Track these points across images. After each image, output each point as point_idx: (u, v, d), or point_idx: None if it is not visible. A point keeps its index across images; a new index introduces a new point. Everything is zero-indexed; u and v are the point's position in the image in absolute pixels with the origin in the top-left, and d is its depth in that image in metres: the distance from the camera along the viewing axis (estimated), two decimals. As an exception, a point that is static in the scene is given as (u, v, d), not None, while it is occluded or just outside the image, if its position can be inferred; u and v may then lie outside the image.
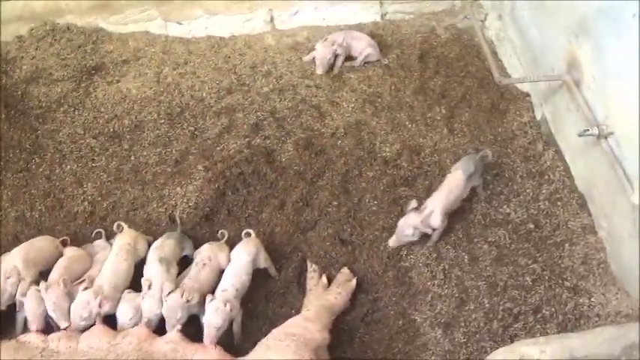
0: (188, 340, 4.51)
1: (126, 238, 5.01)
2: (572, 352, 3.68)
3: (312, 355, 4.26)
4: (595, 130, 4.73)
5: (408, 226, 5.01)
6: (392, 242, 5.10)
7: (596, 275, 5.05)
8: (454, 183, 5.19)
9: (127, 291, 4.71)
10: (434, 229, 5.10)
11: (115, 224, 5.22)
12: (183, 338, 4.50)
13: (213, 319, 4.48)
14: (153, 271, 4.74)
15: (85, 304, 4.56)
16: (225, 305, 4.49)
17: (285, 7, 7.08)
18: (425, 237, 5.16)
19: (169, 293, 4.56)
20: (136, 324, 4.59)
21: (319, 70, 6.57)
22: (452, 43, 7.03)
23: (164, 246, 4.90)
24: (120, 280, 4.77)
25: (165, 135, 6.06)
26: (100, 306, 4.56)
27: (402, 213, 5.33)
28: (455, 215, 5.42)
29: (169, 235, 5.01)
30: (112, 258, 4.89)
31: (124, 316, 4.61)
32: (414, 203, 5.11)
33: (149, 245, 5.06)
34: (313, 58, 6.64)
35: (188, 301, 4.53)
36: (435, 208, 5.02)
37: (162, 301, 4.56)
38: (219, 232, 5.22)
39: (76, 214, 5.54)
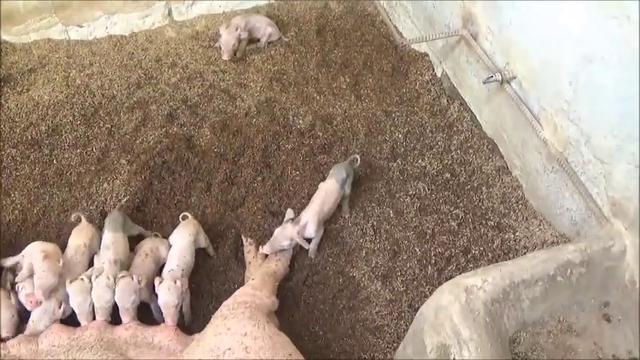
0: (144, 324, 4.63)
1: (81, 239, 5.01)
2: (511, 277, 3.91)
3: (267, 319, 4.41)
4: (498, 76, 5.04)
5: (284, 237, 5.04)
6: (266, 249, 5.07)
7: (517, 211, 5.38)
8: (328, 193, 5.30)
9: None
10: (311, 238, 5.21)
11: (73, 216, 5.23)
12: (140, 323, 4.61)
13: (169, 297, 4.58)
14: (105, 266, 4.74)
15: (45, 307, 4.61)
16: (176, 282, 4.62)
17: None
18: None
19: (121, 277, 4.64)
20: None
21: (225, 56, 6.67)
22: (346, 15, 7.29)
23: (117, 244, 4.90)
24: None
25: (84, 135, 6.09)
26: (60, 307, 4.63)
27: (323, 179, 5.52)
28: (373, 175, 5.72)
29: (116, 226, 4.99)
30: (68, 260, 4.88)
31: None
32: (290, 213, 5.29)
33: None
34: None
35: (139, 282, 4.63)
36: (309, 220, 5.12)
37: (111, 288, 4.60)
38: (153, 233, 5.31)
39: (8, 224, 5.51)
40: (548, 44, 4.56)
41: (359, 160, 5.52)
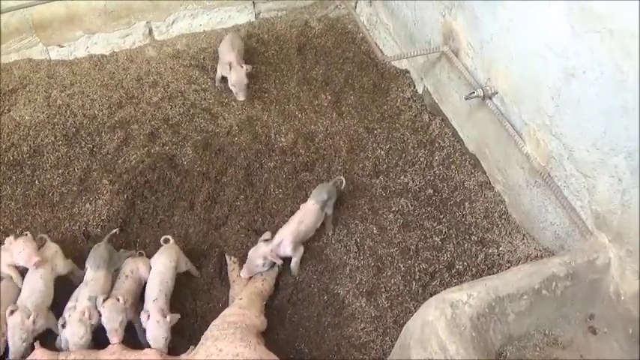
0: (129, 348, 4.58)
1: (42, 255, 4.94)
2: (496, 291, 3.92)
3: (257, 339, 4.44)
4: (480, 91, 5.07)
5: (258, 256, 5.03)
6: (243, 273, 5.05)
7: (500, 226, 5.40)
8: (306, 213, 5.29)
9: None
10: (290, 258, 5.18)
11: (38, 237, 5.17)
12: (125, 347, 4.56)
13: (158, 333, 4.56)
14: (81, 304, 4.66)
15: (20, 325, 4.53)
16: (165, 316, 4.60)
17: (162, 18, 7.19)
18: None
19: (105, 300, 4.61)
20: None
21: (241, 97, 6.42)
22: (327, 33, 7.31)
23: (96, 281, 4.81)
24: (40, 299, 4.72)
25: (65, 156, 6.06)
26: (33, 323, 4.55)
27: (306, 197, 5.54)
28: (356, 192, 5.72)
29: (99, 263, 4.90)
30: (27, 277, 4.85)
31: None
32: (267, 235, 5.18)
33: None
34: (221, 80, 6.64)
35: (125, 301, 4.62)
36: (284, 238, 5.09)
37: (85, 324, 4.55)
38: (138, 252, 5.27)
39: (-8, 247, 5.52)
40: (529, 59, 4.57)
41: (344, 182, 5.54)
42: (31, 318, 4.54)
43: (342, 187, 5.55)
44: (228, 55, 6.47)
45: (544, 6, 4.25)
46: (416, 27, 6.14)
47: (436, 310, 3.84)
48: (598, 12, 3.80)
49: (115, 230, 5.35)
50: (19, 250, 4.86)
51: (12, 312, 4.56)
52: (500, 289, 3.95)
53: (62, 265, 5.00)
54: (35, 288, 4.76)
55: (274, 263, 5.12)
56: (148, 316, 4.61)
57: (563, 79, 4.26)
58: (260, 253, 5.01)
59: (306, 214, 5.25)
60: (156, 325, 4.56)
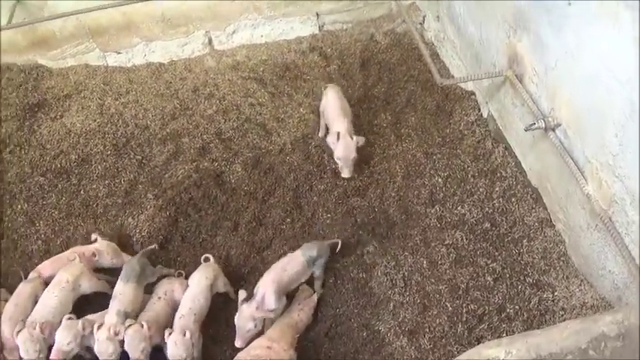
0: None
1: (65, 274, 4.87)
2: (537, 350, 3.63)
3: (280, 378, 4.23)
4: (541, 123, 4.73)
5: (245, 320, 4.62)
6: (238, 343, 4.63)
7: (558, 268, 5.05)
8: (290, 262, 4.93)
9: (65, 317, 4.58)
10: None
11: (92, 235, 5.26)
12: None
13: (175, 352, 4.42)
14: (108, 320, 4.57)
15: (29, 338, 4.49)
16: (185, 334, 4.43)
17: (223, 28, 7.06)
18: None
19: (129, 326, 4.48)
20: (72, 350, 4.49)
21: (345, 174, 5.68)
22: (392, 48, 7.04)
23: (124, 295, 4.71)
24: (50, 315, 4.64)
25: (113, 166, 5.98)
26: (41, 332, 4.50)
27: (356, 223, 5.37)
28: (409, 221, 5.45)
29: (129, 276, 4.80)
30: (45, 292, 4.80)
31: (61, 339, 4.46)
32: (242, 294, 4.73)
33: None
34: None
35: (149, 328, 4.47)
36: (265, 290, 4.72)
37: (113, 341, 4.46)
38: (177, 272, 5.15)
39: (30, 254, 5.46)
40: (593, 89, 4.20)
41: (340, 245, 5.19)
42: (37, 328, 4.49)
43: (337, 251, 5.20)
44: (337, 121, 5.78)
45: (612, 30, 3.88)
46: (481, 46, 5.83)
47: (469, 366, 3.57)
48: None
49: (153, 245, 5.25)
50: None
51: (19, 331, 4.52)
52: (543, 348, 3.65)
53: (87, 285, 4.94)
54: (48, 304, 4.71)
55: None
56: (170, 332, 4.50)
57: (628, 114, 3.90)
58: (246, 315, 4.63)
59: (290, 263, 4.92)
60: (173, 345, 4.45)
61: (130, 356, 4.47)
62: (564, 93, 4.59)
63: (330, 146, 5.72)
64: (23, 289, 4.88)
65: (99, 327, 4.48)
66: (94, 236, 5.28)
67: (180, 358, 4.42)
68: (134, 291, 4.74)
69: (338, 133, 5.57)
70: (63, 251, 5.28)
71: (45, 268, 5.06)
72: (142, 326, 4.47)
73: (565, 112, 4.62)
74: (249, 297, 4.68)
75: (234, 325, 4.79)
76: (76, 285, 4.84)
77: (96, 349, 4.47)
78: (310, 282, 5.08)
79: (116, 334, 4.45)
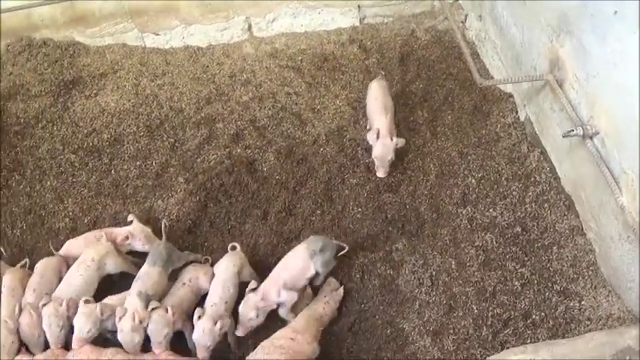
0: (176, 354, 4.47)
1: (91, 252, 4.88)
2: (562, 360, 3.62)
3: (302, 369, 4.21)
4: (579, 130, 4.65)
5: (249, 308, 4.62)
6: (239, 332, 4.66)
7: (586, 278, 4.99)
8: (293, 256, 4.88)
9: (82, 300, 4.54)
10: (279, 304, 4.75)
11: (129, 216, 5.25)
12: (172, 353, 4.46)
13: (201, 339, 4.41)
14: (130, 302, 4.55)
15: (54, 313, 4.49)
16: (215, 324, 4.41)
17: (263, 15, 7.02)
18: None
19: (153, 309, 4.46)
20: (92, 336, 4.47)
21: (380, 173, 5.64)
22: (432, 45, 6.96)
23: (149, 277, 4.71)
24: (75, 294, 4.64)
25: (145, 147, 5.98)
26: (67, 310, 4.51)
27: (386, 219, 5.34)
28: (440, 220, 5.40)
29: (156, 260, 4.82)
30: (70, 270, 4.82)
31: (81, 328, 4.44)
32: (253, 284, 4.73)
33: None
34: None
35: (174, 313, 4.45)
36: (270, 284, 4.71)
37: (135, 331, 4.42)
38: (204, 257, 5.14)
39: (57, 231, 5.45)
40: (634, 100, 4.13)
41: (347, 249, 5.09)
42: (64, 305, 4.49)
43: (341, 254, 5.08)
44: (378, 117, 5.71)
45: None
46: (523, 49, 5.75)
47: (492, 372, 3.54)
48: None
49: (164, 221, 5.16)
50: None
51: (44, 305, 4.52)
52: (568, 358, 3.60)
53: (113, 265, 4.93)
54: (72, 282, 4.73)
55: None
56: (200, 316, 4.47)
57: (667, 128, 3.85)
58: (250, 305, 4.62)
59: (292, 258, 4.87)
60: (201, 332, 4.42)
61: (152, 340, 4.46)
62: (604, 102, 4.52)
63: (370, 142, 5.62)
64: (49, 263, 4.91)
65: (121, 317, 4.44)
66: (130, 217, 5.23)
67: (205, 345, 4.40)
68: (159, 275, 4.74)
69: (378, 132, 5.50)
70: (90, 230, 5.28)
71: (74, 245, 5.07)
72: (167, 311, 4.45)
73: (604, 120, 4.55)
74: (255, 289, 4.67)
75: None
76: (102, 264, 4.83)
77: (120, 339, 4.44)
78: (336, 275, 5.05)
79: (141, 321, 4.42)
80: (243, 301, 4.64)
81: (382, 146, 5.49)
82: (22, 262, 5.08)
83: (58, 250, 5.08)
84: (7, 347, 4.45)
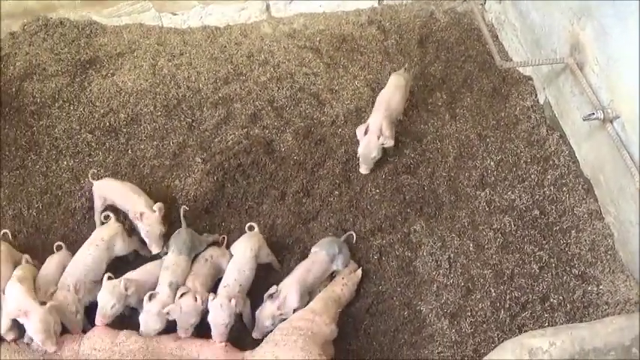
0: (193, 336, 4.48)
1: (101, 233, 4.89)
2: (581, 344, 3.61)
3: (320, 350, 4.21)
4: (600, 114, 4.64)
5: (265, 317, 4.59)
6: (255, 335, 4.62)
7: (604, 262, 4.99)
8: (315, 263, 4.86)
9: (106, 276, 4.57)
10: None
11: (103, 215, 5.13)
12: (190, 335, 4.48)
13: (218, 316, 4.39)
14: (161, 291, 4.54)
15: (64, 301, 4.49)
16: (230, 300, 4.40)
17: (281, -5, 6.96)
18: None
19: (182, 295, 4.47)
20: (116, 312, 4.50)
21: (363, 170, 5.60)
22: (451, 27, 6.91)
23: (177, 266, 4.70)
24: (82, 274, 4.64)
25: (163, 127, 5.96)
26: (76, 293, 4.53)
27: (404, 201, 5.34)
28: (458, 202, 5.41)
29: (181, 248, 4.80)
30: (80, 250, 4.80)
31: (105, 303, 4.45)
32: (272, 289, 4.64)
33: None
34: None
35: (203, 301, 4.45)
36: (289, 291, 4.64)
37: (160, 318, 4.44)
38: (221, 237, 5.14)
39: (74, 211, 5.44)
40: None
41: (354, 237, 5.16)
42: (72, 289, 4.51)
43: (353, 242, 5.17)
44: (374, 113, 5.65)
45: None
46: (543, 32, 5.72)
47: (512, 354, 3.52)
48: None
49: (183, 207, 5.16)
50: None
51: (52, 294, 4.52)
52: (587, 341, 3.63)
53: (122, 247, 4.94)
54: (81, 262, 4.71)
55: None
56: (214, 298, 4.48)
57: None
58: (267, 313, 4.59)
59: (315, 265, 4.85)
60: (218, 308, 4.42)
61: (179, 326, 4.45)
62: (625, 86, 4.50)
63: (357, 137, 5.58)
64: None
65: (150, 297, 4.46)
66: (157, 206, 5.05)
67: (223, 323, 4.39)
68: (185, 263, 4.75)
69: (367, 127, 5.50)
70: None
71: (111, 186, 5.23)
72: (196, 299, 4.45)
73: (625, 105, 4.53)
74: (273, 295, 4.61)
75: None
76: (111, 244, 4.84)
77: (141, 320, 4.45)
78: (354, 257, 5.06)
79: (168, 313, 4.41)
80: (260, 309, 4.61)
81: (365, 144, 5.48)
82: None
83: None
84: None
